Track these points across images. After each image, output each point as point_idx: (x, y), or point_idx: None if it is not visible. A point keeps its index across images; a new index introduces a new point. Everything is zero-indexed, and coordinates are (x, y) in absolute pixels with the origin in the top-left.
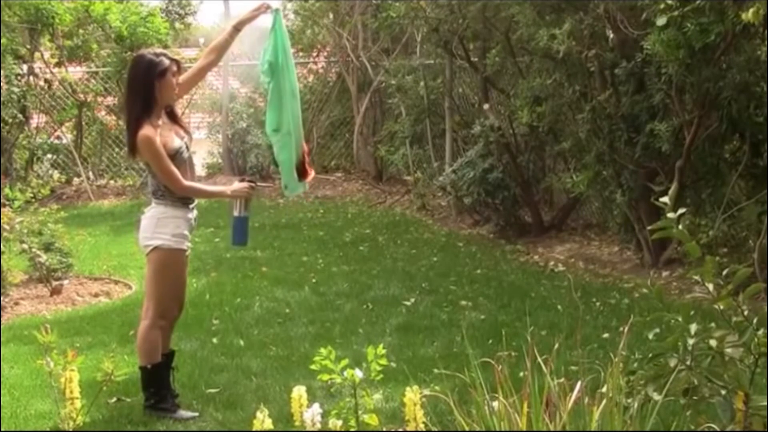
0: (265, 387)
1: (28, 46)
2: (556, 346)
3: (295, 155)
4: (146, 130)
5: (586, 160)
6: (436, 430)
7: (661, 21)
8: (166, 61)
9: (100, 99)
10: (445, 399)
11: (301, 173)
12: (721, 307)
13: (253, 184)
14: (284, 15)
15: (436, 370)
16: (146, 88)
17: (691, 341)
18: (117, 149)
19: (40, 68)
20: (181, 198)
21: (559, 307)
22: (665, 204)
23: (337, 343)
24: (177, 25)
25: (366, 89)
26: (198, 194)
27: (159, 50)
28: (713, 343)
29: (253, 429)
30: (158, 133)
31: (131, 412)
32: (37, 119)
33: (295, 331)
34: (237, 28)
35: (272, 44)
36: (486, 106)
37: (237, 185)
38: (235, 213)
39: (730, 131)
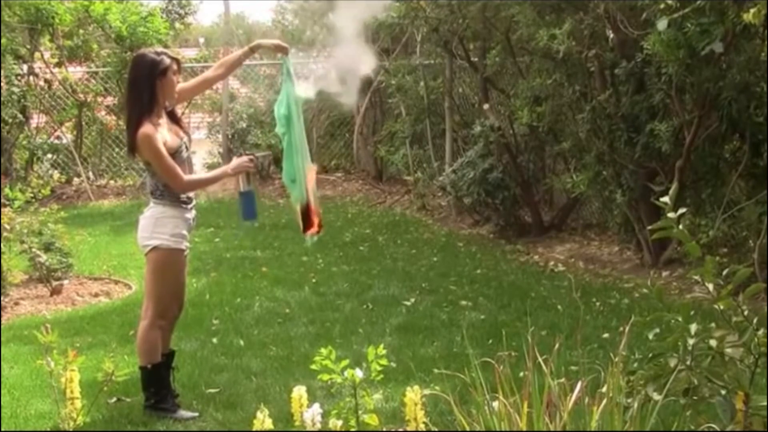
0: (265, 387)
1: (28, 46)
2: (556, 346)
3: (299, 203)
4: (146, 128)
5: (586, 160)
6: (436, 430)
7: (661, 25)
8: (167, 60)
9: (100, 99)
10: (446, 399)
11: (305, 225)
12: (721, 307)
13: (252, 157)
14: (283, 15)
15: (436, 370)
16: (147, 87)
17: (691, 341)
18: (117, 149)
19: (40, 68)
20: (180, 198)
21: (559, 307)
22: (665, 204)
23: (337, 343)
24: (177, 25)
25: (366, 89)
26: (200, 185)
27: (160, 49)
28: (713, 343)
29: (253, 429)
30: (158, 132)
31: (131, 412)
32: (37, 119)
33: (295, 331)
34: (252, 50)
35: (285, 95)
36: (486, 106)
37: (236, 161)
38: (241, 189)
39: (730, 131)
